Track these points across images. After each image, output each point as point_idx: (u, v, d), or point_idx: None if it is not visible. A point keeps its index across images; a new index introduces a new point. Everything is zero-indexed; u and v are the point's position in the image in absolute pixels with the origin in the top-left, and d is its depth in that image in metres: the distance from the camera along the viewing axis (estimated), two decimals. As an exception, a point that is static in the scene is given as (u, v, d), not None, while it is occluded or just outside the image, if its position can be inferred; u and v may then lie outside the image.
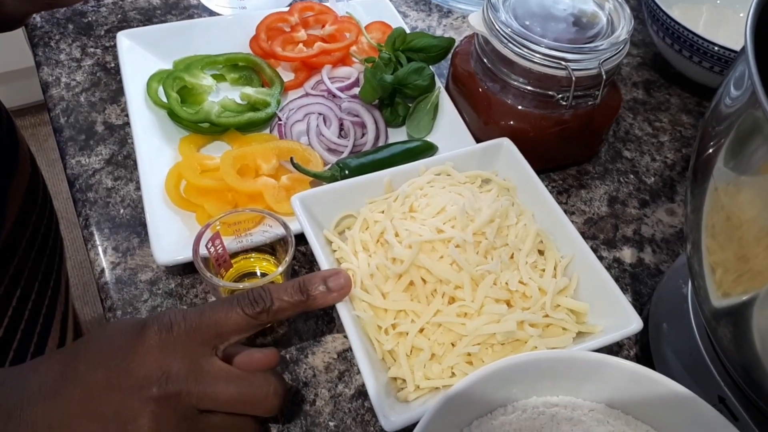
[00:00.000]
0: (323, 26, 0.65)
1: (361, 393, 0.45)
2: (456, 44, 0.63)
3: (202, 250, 0.43)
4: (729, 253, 0.35)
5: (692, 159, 0.39)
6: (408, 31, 0.63)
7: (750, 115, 0.31)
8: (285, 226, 0.44)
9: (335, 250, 0.47)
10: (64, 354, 0.36)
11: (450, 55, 0.62)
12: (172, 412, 0.34)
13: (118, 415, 0.33)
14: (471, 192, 0.47)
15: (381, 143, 0.58)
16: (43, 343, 0.63)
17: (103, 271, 0.49)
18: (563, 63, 0.51)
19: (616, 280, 0.44)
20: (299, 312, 0.39)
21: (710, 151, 0.36)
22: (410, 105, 0.60)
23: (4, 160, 0.60)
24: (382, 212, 0.47)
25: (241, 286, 0.43)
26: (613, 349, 0.48)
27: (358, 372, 0.45)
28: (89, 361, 0.34)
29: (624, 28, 0.53)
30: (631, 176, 0.61)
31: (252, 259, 0.48)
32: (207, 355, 0.36)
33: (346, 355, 0.46)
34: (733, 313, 0.35)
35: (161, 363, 0.34)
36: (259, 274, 0.48)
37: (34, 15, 0.68)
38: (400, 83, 0.59)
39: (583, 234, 0.46)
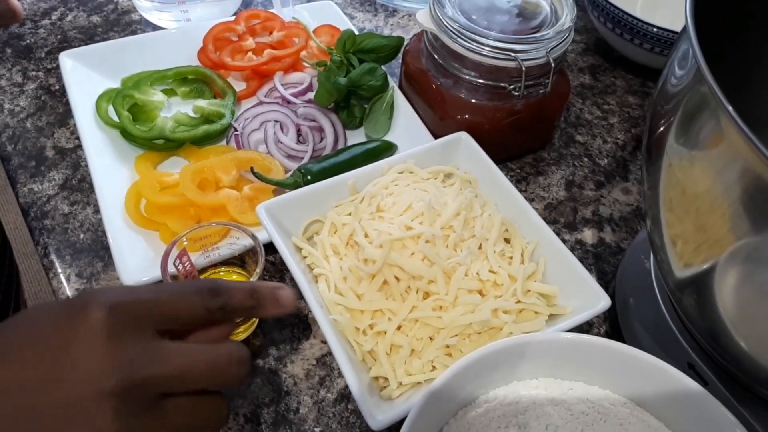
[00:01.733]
0: (271, 33, 0.65)
1: (344, 396, 0.45)
2: (405, 43, 0.63)
3: (171, 269, 0.42)
4: (687, 224, 0.36)
5: (645, 138, 0.41)
6: (356, 32, 0.63)
7: (696, 91, 0.33)
8: (252, 236, 0.44)
9: (305, 257, 0.47)
10: None
11: (400, 54, 0.63)
12: (136, 404, 0.29)
13: (68, 418, 0.27)
14: (435, 187, 0.48)
15: (340, 146, 0.58)
16: None
17: (67, 298, 0.48)
18: (512, 54, 0.52)
19: (580, 260, 0.45)
20: (245, 315, 0.36)
21: (661, 129, 0.38)
22: (366, 106, 0.60)
23: None
24: (349, 215, 0.48)
25: None
26: (584, 328, 0.50)
27: (339, 376, 0.46)
28: (13, 358, 0.28)
29: (567, 16, 0.55)
30: (585, 159, 0.62)
31: (222, 273, 0.47)
32: (158, 337, 0.31)
33: (325, 360, 0.46)
34: (696, 282, 0.37)
35: (114, 350, 0.28)
36: None
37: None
38: (353, 85, 0.59)
39: (544, 219, 0.48)
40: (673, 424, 0.37)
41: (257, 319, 0.47)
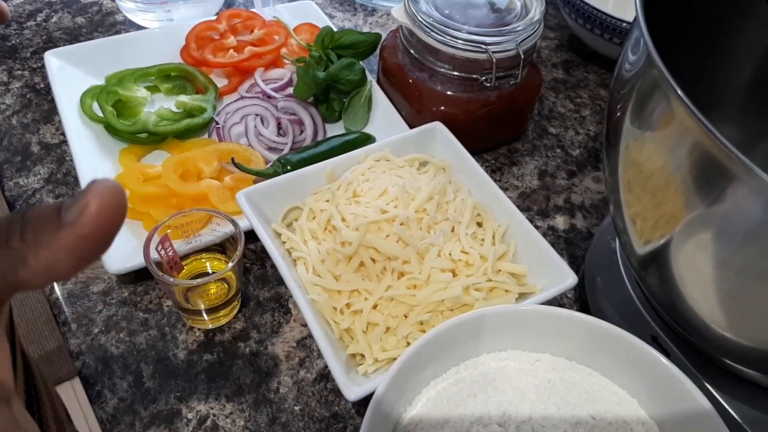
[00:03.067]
0: (252, 31, 0.67)
1: (323, 376, 0.46)
2: (383, 39, 0.65)
3: (153, 254, 0.44)
4: (645, 202, 0.38)
5: (604, 125, 0.43)
6: (334, 29, 0.65)
7: (647, 75, 0.35)
8: (233, 222, 0.45)
9: (285, 242, 0.48)
10: None
11: (378, 50, 0.65)
12: None
13: None
14: (410, 173, 0.50)
15: (320, 139, 0.60)
16: None
17: (53, 287, 0.49)
18: (483, 46, 0.54)
19: (553, 246, 0.47)
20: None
21: (618, 114, 0.40)
22: (345, 100, 0.62)
23: None
24: (327, 201, 0.49)
25: (195, 282, 0.43)
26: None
27: (319, 357, 0.47)
28: None
29: (537, 9, 0.57)
30: (558, 150, 0.64)
31: (203, 260, 0.49)
32: None
33: (305, 342, 0.48)
34: (656, 258, 0.39)
35: None
36: (211, 273, 0.49)
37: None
38: (332, 79, 0.61)
39: (518, 207, 0.49)
40: (636, 392, 0.38)
41: (238, 304, 0.49)
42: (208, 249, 0.48)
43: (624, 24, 0.67)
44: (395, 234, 0.45)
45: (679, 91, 0.31)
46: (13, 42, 0.68)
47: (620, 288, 0.47)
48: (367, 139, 0.59)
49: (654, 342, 0.44)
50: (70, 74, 0.61)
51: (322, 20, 0.69)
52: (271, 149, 0.58)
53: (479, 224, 0.49)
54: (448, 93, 0.58)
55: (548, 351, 0.40)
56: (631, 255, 0.42)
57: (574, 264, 0.55)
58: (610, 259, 0.49)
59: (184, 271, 0.48)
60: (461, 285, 0.43)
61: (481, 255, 0.45)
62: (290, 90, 0.62)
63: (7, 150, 0.58)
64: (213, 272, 0.49)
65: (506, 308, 0.38)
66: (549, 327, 0.39)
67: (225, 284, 0.47)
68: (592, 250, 0.53)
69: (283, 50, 0.65)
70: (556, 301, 0.50)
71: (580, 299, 0.52)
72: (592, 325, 0.38)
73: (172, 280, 0.43)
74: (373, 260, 0.45)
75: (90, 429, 0.45)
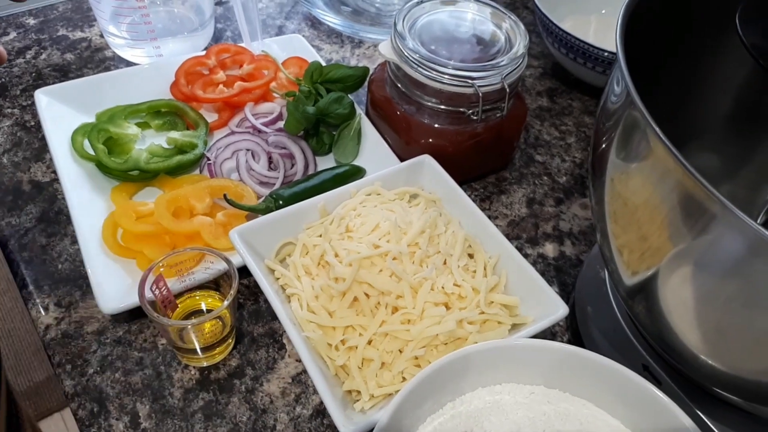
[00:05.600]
0: (241, 66, 0.68)
1: (319, 412, 0.46)
2: (371, 72, 0.66)
3: (148, 294, 0.44)
4: (631, 235, 0.39)
5: (590, 155, 0.44)
6: (323, 63, 0.66)
7: (629, 112, 0.36)
8: (226, 260, 0.46)
9: (278, 278, 0.49)
10: None
11: (366, 83, 0.66)
12: None
13: None
14: (401, 207, 0.50)
15: (311, 172, 0.61)
16: None
17: (47, 327, 0.49)
18: (469, 81, 0.55)
19: (542, 273, 0.48)
20: None
21: (603, 146, 0.41)
22: (334, 133, 0.63)
23: None
24: (320, 236, 0.50)
25: (189, 324, 0.44)
26: (547, 337, 0.52)
27: (314, 392, 0.47)
28: None
29: (521, 44, 0.58)
30: (545, 178, 0.66)
31: (197, 297, 0.49)
32: None
33: (300, 378, 0.48)
34: (643, 289, 0.39)
35: None
36: (205, 310, 0.49)
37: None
38: (322, 113, 0.62)
39: (507, 235, 0.50)
40: (630, 422, 0.39)
41: (233, 341, 0.49)
42: (202, 286, 0.49)
43: (605, 53, 0.69)
44: (388, 269, 0.45)
45: (659, 132, 0.32)
46: (3, 80, 0.69)
47: (610, 316, 0.48)
48: (358, 172, 0.60)
49: (645, 371, 0.44)
50: (61, 112, 0.62)
51: (310, 53, 0.70)
52: (262, 184, 0.59)
53: (470, 256, 0.50)
54: (436, 125, 0.59)
55: (542, 383, 0.41)
56: (619, 284, 0.43)
57: (565, 291, 0.55)
58: (599, 288, 0.50)
59: (178, 309, 0.48)
60: (455, 319, 0.43)
61: (473, 287, 0.46)
62: (280, 124, 0.63)
63: (-2, 189, 0.58)
64: (208, 309, 0.49)
65: (499, 343, 0.39)
66: (542, 359, 0.40)
67: (220, 322, 0.47)
68: (581, 278, 0.54)
69: (273, 84, 0.66)
70: (549, 331, 0.51)
71: (572, 327, 0.53)
72: (583, 356, 0.39)
73: (167, 320, 0.43)
74: (367, 295, 0.45)
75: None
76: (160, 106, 0.62)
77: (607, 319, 0.48)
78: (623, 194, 0.38)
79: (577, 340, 0.51)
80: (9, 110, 0.66)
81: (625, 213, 0.39)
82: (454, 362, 0.37)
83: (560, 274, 0.57)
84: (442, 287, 0.45)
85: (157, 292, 0.45)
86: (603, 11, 0.83)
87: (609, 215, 0.41)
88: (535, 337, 0.44)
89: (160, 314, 0.44)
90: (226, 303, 0.44)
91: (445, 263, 0.47)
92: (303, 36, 0.73)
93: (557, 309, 0.46)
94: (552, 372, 0.40)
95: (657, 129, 0.31)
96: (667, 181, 0.33)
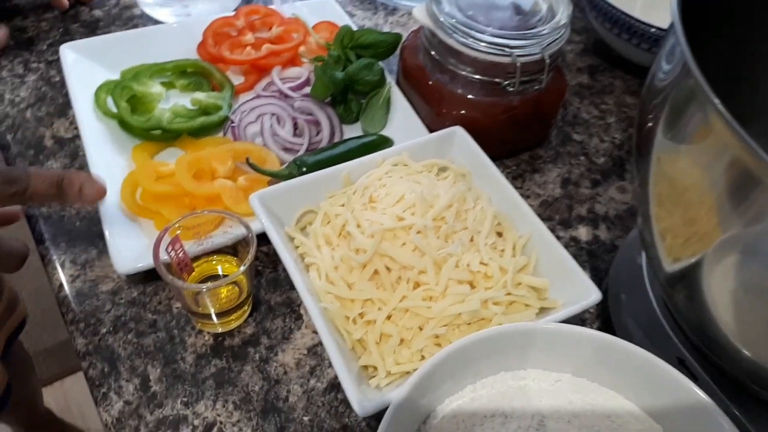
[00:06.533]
0: (270, 29, 0.66)
1: (334, 386, 0.45)
2: (403, 39, 0.64)
3: (163, 255, 0.43)
4: (676, 218, 0.36)
5: (634, 135, 0.41)
6: (354, 28, 0.64)
7: (683, 85, 0.33)
8: (246, 225, 0.44)
9: (298, 246, 0.47)
10: None
11: (398, 51, 0.63)
12: None
13: None
14: (428, 180, 0.48)
15: (336, 140, 0.59)
16: None
17: (62, 285, 0.48)
18: (507, 50, 0.52)
19: (575, 257, 0.45)
20: (51, 201, 0.44)
21: (649, 125, 0.38)
22: (363, 101, 0.61)
23: None
24: (342, 205, 0.48)
25: (204, 287, 0.42)
26: (576, 324, 0.50)
27: (329, 366, 0.46)
28: None
29: (563, 13, 0.55)
30: (582, 158, 0.63)
31: (214, 262, 0.48)
32: None
33: (316, 350, 0.46)
34: (685, 277, 0.37)
35: None
36: (222, 275, 0.48)
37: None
38: (350, 79, 0.59)
39: (539, 216, 0.48)
40: (659, 417, 0.36)
41: (249, 308, 0.47)
42: (220, 251, 0.47)
43: (652, 29, 0.65)
44: (412, 243, 0.43)
45: (718, 103, 0.29)
46: (30, 34, 0.68)
47: (646, 305, 0.45)
48: (385, 142, 0.58)
49: (680, 365, 0.42)
50: (86, 68, 0.61)
51: (341, 18, 0.68)
52: (286, 150, 0.57)
53: (499, 234, 0.48)
54: (469, 96, 0.57)
55: (569, 371, 0.38)
56: (658, 271, 0.40)
57: (597, 277, 0.53)
58: (635, 275, 0.47)
59: (194, 273, 0.47)
60: (479, 298, 0.41)
61: (500, 267, 0.43)
62: (307, 89, 0.60)
63: (21, 143, 0.57)
64: (224, 275, 0.47)
65: (527, 326, 0.36)
66: (571, 346, 0.37)
67: (236, 287, 0.46)
68: (616, 264, 0.51)
69: (301, 48, 0.64)
70: (578, 317, 0.48)
71: (603, 315, 0.50)
72: (615, 345, 0.37)
73: (181, 283, 0.42)
74: (388, 269, 0.43)
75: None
76: (185, 66, 0.61)
77: (641, 308, 0.46)
78: (670, 174, 0.36)
79: (608, 328, 0.48)
80: (35, 65, 0.65)
81: (671, 195, 0.36)
82: (478, 343, 0.35)
83: (593, 259, 0.54)
84: (468, 265, 0.43)
85: (173, 253, 0.44)
86: (652, -14, 0.79)
87: (653, 197, 0.38)
88: (564, 322, 0.42)
89: (176, 277, 0.43)
90: (242, 268, 0.42)
91: (471, 240, 0.45)
92: (335, 0, 0.71)
93: (589, 294, 0.43)
94: (581, 360, 0.38)
95: (714, 98, 0.29)
96: (722, 158, 0.30)
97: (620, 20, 0.66)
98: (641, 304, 0.46)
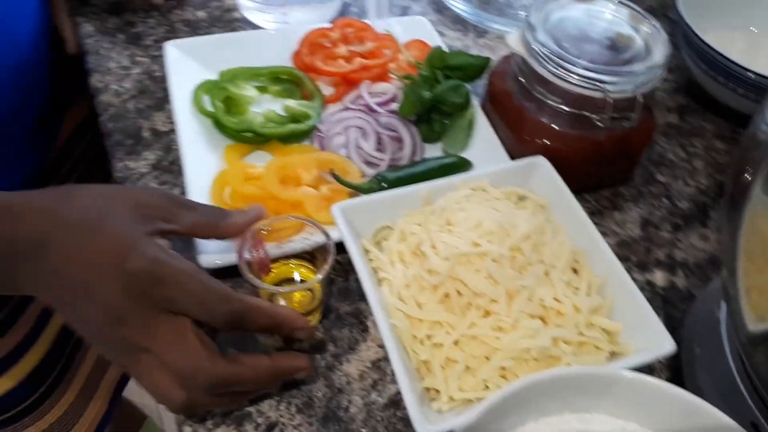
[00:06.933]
0: (363, 43, 0.67)
1: (394, 402, 0.45)
2: (492, 63, 0.64)
3: (246, 254, 0.44)
4: (766, 276, 0.35)
5: (728, 184, 0.40)
6: (445, 49, 0.64)
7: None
8: (326, 234, 0.45)
9: (372, 260, 0.48)
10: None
11: (486, 74, 0.63)
12: (142, 296, 0.37)
13: (92, 274, 0.37)
14: (507, 208, 0.48)
15: (417, 158, 0.59)
16: None
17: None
18: (599, 85, 0.52)
19: (648, 302, 0.44)
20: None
21: (747, 176, 0.37)
22: (446, 122, 0.61)
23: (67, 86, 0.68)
24: (419, 224, 0.48)
25: (281, 290, 0.44)
26: (644, 371, 0.48)
27: (391, 382, 0.46)
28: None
29: (660, 53, 0.54)
30: (665, 200, 0.61)
31: (291, 265, 0.49)
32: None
33: (379, 365, 0.47)
34: (769, 338, 0.36)
35: (147, 242, 0.38)
36: (298, 279, 0.49)
37: (86, 23, 0.71)
38: (437, 100, 0.60)
39: (616, 255, 0.47)
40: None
41: (320, 315, 0.49)
42: (297, 256, 0.49)
43: (752, 74, 0.63)
44: (486, 270, 0.43)
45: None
46: (138, 29, 0.72)
47: (721, 361, 0.44)
48: (465, 164, 0.58)
49: (754, 430, 0.40)
50: (186, 66, 0.64)
51: (432, 38, 0.69)
52: (368, 163, 0.58)
53: (575, 270, 0.47)
54: (555, 127, 0.56)
55: (635, 421, 0.38)
56: (740, 328, 0.39)
57: (670, 325, 0.51)
58: (712, 328, 0.46)
59: (271, 274, 0.49)
60: (550, 335, 0.41)
61: (575, 305, 0.43)
62: (394, 106, 0.62)
63: (121, 132, 0.61)
64: (301, 280, 0.49)
65: (600, 371, 0.36)
66: (641, 395, 0.37)
67: (310, 293, 0.47)
68: (692, 315, 0.50)
69: (392, 65, 0.65)
70: (647, 366, 0.47)
71: (673, 367, 0.49)
72: (688, 401, 0.36)
73: (260, 283, 0.44)
74: (459, 293, 0.44)
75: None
76: (280, 73, 0.63)
77: (716, 363, 0.44)
78: (766, 231, 0.35)
79: (677, 380, 0.47)
80: (140, 59, 0.68)
81: (765, 252, 0.35)
82: (547, 382, 0.35)
83: (667, 306, 0.53)
84: (541, 299, 0.43)
85: (255, 254, 0.46)
86: (752, 29, 0.76)
87: (743, 251, 0.37)
88: (633, 370, 0.41)
89: (255, 276, 0.44)
90: (319, 276, 0.44)
91: (547, 274, 0.45)
92: (428, 19, 0.72)
93: (663, 343, 0.42)
94: (651, 412, 0.37)
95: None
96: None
97: (717, 62, 0.65)
98: (716, 359, 0.45)
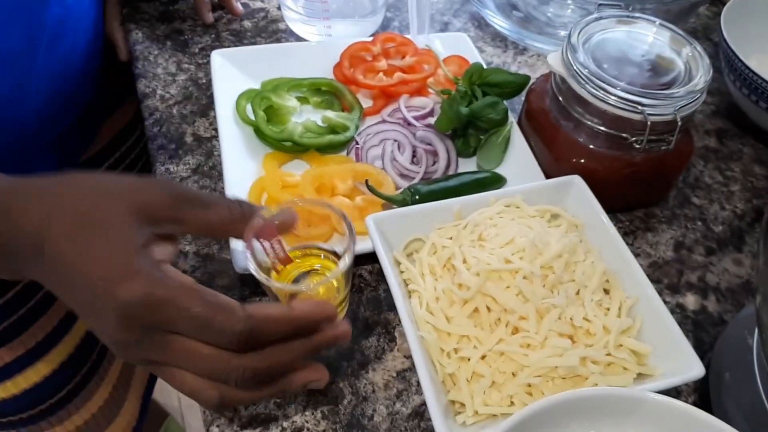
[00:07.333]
0: (403, 57, 0.68)
1: (418, 413, 0.46)
2: (531, 81, 0.64)
3: (260, 253, 0.43)
4: (801, 307, 0.35)
5: (766, 210, 0.40)
6: (484, 66, 0.65)
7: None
8: (344, 216, 0.44)
9: (403, 272, 0.49)
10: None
11: (524, 92, 0.64)
12: (140, 323, 0.34)
13: (93, 299, 0.35)
14: (540, 225, 0.49)
15: (451, 172, 0.60)
16: None
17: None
18: (639, 107, 0.52)
19: (679, 325, 0.44)
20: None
21: (787, 205, 0.37)
22: (482, 137, 0.62)
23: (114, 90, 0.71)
24: (451, 238, 0.49)
25: (302, 287, 0.43)
26: (671, 394, 0.48)
27: (416, 392, 0.47)
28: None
29: (702, 77, 0.54)
30: (699, 223, 0.61)
31: (311, 256, 0.49)
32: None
33: (405, 375, 0.48)
34: (802, 369, 0.35)
35: (145, 274, 0.34)
36: (318, 266, 0.49)
37: (136, 30, 0.74)
38: (474, 116, 0.61)
39: (647, 277, 0.47)
40: None
41: (343, 312, 0.49)
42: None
43: (796, 100, 0.62)
44: (516, 287, 0.44)
45: None
46: (186, 37, 0.74)
47: (751, 390, 0.43)
48: (498, 180, 0.59)
49: (783, 460, 0.40)
50: (231, 74, 0.66)
51: (472, 54, 0.70)
52: (402, 176, 0.59)
53: (606, 291, 0.47)
54: (591, 147, 0.57)
55: (662, 444, 0.37)
56: (771, 358, 0.38)
57: (699, 350, 0.51)
58: (743, 355, 0.46)
59: (291, 264, 0.48)
60: (579, 355, 0.41)
61: (604, 326, 0.43)
62: (431, 120, 0.62)
63: (164, 137, 0.63)
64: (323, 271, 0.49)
65: (627, 392, 0.36)
66: (668, 418, 0.37)
67: (334, 285, 0.45)
68: (723, 340, 0.49)
69: (430, 80, 0.66)
70: (674, 389, 0.47)
71: (700, 390, 0.48)
72: (714, 427, 0.36)
73: (276, 284, 0.43)
74: (489, 309, 0.44)
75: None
76: (321, 84, 0.65)
77: (746, 391, 0.44)
78: (802, 262, 0.34)
79: (705, 405, 0.47)
80: (186, 65, 0.71)
81: (800, 283, 0.35)
82: (574, 401, 0.35)
83: (697, 330, 0.52)
84: (571, 318, 0.43)
85: (272, 252, 0.44)
86: (798, 54, 0.75)
87: (778, 281, 0.37)
88: (660, 392, 0.41)
89: (269, 277, 0.43)
90: (343, 264, 0.42)
91: (578, 294, 0.45)
92: (468, 35, 0.73)
93: (691, 367, 0.42)
94: (676, 435, 0.37)
95: None
96: None
97: (760, 87, 0.64)
98: (746, 387, 0.44)
